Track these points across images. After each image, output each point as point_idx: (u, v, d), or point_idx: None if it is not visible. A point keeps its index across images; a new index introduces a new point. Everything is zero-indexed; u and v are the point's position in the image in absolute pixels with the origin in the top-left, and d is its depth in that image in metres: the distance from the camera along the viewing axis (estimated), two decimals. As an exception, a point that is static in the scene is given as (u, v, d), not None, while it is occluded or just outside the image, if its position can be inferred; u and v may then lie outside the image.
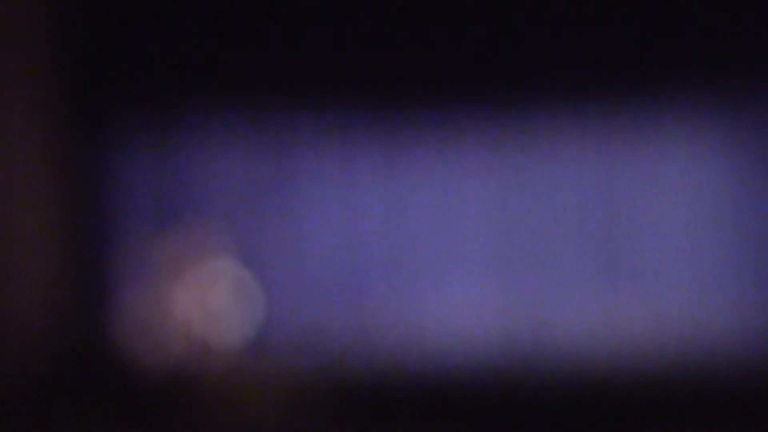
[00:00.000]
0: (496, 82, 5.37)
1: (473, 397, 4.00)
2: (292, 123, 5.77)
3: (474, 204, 5.95)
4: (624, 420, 3.63)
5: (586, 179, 5.76)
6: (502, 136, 5.67)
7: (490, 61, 5.46)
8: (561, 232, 5.94)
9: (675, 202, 5.89)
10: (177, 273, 5.79)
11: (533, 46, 5.63)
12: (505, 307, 5.80)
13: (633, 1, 5.51)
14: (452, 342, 5.52)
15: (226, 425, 3.31)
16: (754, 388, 3.56)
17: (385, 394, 4.15)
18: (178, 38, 5.60)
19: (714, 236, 5.68)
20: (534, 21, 5.63)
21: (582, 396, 4.06)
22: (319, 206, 5.76)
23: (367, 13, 5.55)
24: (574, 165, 5.77)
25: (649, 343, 4.94)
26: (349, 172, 5.85)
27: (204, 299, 5.74)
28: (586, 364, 4.65)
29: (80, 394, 3.87)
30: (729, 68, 5.59)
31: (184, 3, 5.54)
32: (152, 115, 5.55)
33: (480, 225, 6.11)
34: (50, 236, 5.38)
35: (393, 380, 4.44)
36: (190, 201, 6.09)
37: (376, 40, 5.45)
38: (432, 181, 5.65)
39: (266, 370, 3.88)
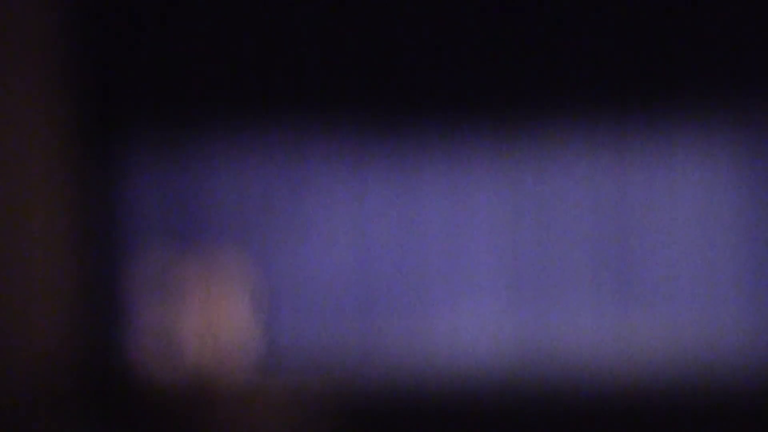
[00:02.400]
0: (509, 99, 5.45)
1: (483, 415, 4.02)
2: (304, 140, 5.88)
3: (486, 221, 6.06)
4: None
5: (599, 194, 5.85)
6: (515, 153, 5.77)
7: (504, 78, 5.55)
8: (573, 248, 6.03)
9: (688, 218, 5.97)
10: (188, 289, 5.90)
11: (545, 62, 5.72)
12: (517, 324, 5.91)
13: (644, 15, 5.54)
14: (463, 359, 5.60)
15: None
16: (765, 404, 3.56)
17: (394, 411, 4.18)
18: (190, 54, 5.70)
19: (728, 253, 5.76)
20: (545, 35, 5.70)
21: (593, 413, 4.08)
22: (330, 221, 5.86)
23: (378, 28, 5.65)
24: (587, 180, 5.86)
25: (662, 360, 4.98)
26: (361, 190, 5.97)
27: (215, 315, 5.84)
28: (598, 381, 4.69)
29: (91, 408, 3.91)
30: (742, 82, 5.63)
31: (195, 19, 5.64)
32: (164, 132, 5.66)
33: (492, 242, 6.22)
34: (62, 252, 5.48)
35: (402, 398, 4.48)
36: (201, 217, 6.20)
37: (387, 56, 5.53)
38: (444, 198, 5.74)
39: (278, 387, 3.90)
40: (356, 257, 5.36)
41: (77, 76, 5.35)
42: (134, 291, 5.79)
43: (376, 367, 4.88)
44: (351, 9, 5.24)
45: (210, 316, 5.44)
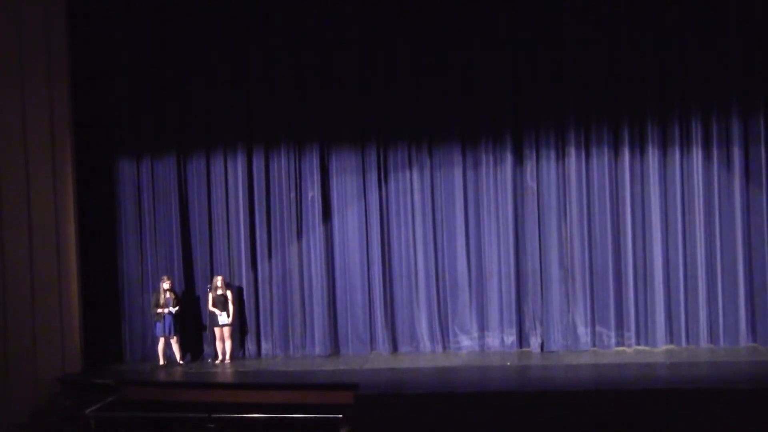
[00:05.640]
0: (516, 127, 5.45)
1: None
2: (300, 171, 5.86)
3: (489, 233, 5.92)
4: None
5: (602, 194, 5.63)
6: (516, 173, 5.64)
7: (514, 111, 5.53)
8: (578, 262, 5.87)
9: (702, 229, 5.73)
10: (179, 312, 5.89)
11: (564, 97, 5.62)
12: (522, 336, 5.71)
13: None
14: (467, 371, 5.47)
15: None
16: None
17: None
18: (174, 104, 5.81)
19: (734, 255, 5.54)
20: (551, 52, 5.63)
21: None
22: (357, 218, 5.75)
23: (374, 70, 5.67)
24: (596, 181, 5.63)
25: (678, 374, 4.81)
26: (347, 219, 5.94)
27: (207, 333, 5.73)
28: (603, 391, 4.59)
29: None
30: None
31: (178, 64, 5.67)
32: (156, 166, 5.73)
33: (493, 254, 6.13)
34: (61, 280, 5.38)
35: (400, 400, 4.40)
36: (193, 243, 6.11)
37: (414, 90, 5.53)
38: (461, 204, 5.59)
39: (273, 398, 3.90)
40: (347, 278, 5.52)
41: (84, 135, 5.44)
42: (130, 318, 5.79)
43: (380, 382, 4.89)
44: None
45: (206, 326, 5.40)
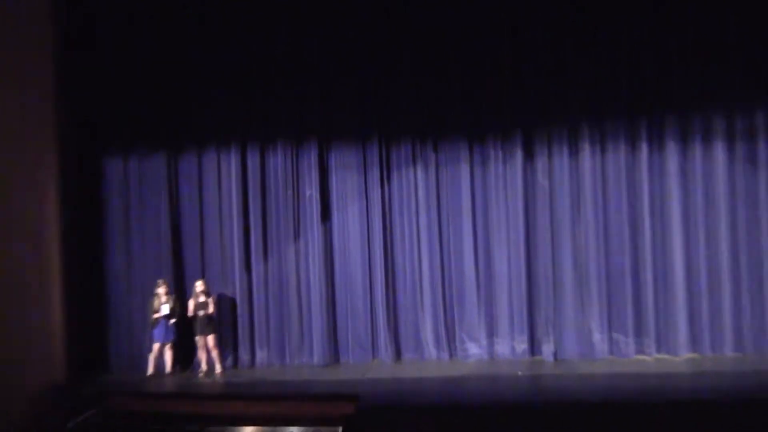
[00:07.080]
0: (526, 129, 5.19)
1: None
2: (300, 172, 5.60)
3: (498, 239, 5.64)
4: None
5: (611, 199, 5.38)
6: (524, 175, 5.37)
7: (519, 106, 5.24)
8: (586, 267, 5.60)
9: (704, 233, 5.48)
10: (169, 316, 5.61)
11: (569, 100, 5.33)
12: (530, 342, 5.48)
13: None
14: (473, 378, 5.28)
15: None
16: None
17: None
18: (163, 105, 5.48)
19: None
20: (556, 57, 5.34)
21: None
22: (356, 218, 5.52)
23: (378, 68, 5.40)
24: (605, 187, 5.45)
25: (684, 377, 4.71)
26: (350, 223, 5.68)
27: (197, 339, 5.43)
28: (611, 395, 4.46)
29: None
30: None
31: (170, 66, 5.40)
32: (148, 167, 5.50)
33: (502, 260, 5.83)
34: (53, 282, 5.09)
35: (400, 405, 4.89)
36: (184, 246, 5.82)
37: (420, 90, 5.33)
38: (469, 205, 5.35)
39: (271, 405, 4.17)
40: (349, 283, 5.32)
41: (75, 137, 5.15)
42: (119, 323, 5.44)
43: (384, 387, 4.88)
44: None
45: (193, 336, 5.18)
